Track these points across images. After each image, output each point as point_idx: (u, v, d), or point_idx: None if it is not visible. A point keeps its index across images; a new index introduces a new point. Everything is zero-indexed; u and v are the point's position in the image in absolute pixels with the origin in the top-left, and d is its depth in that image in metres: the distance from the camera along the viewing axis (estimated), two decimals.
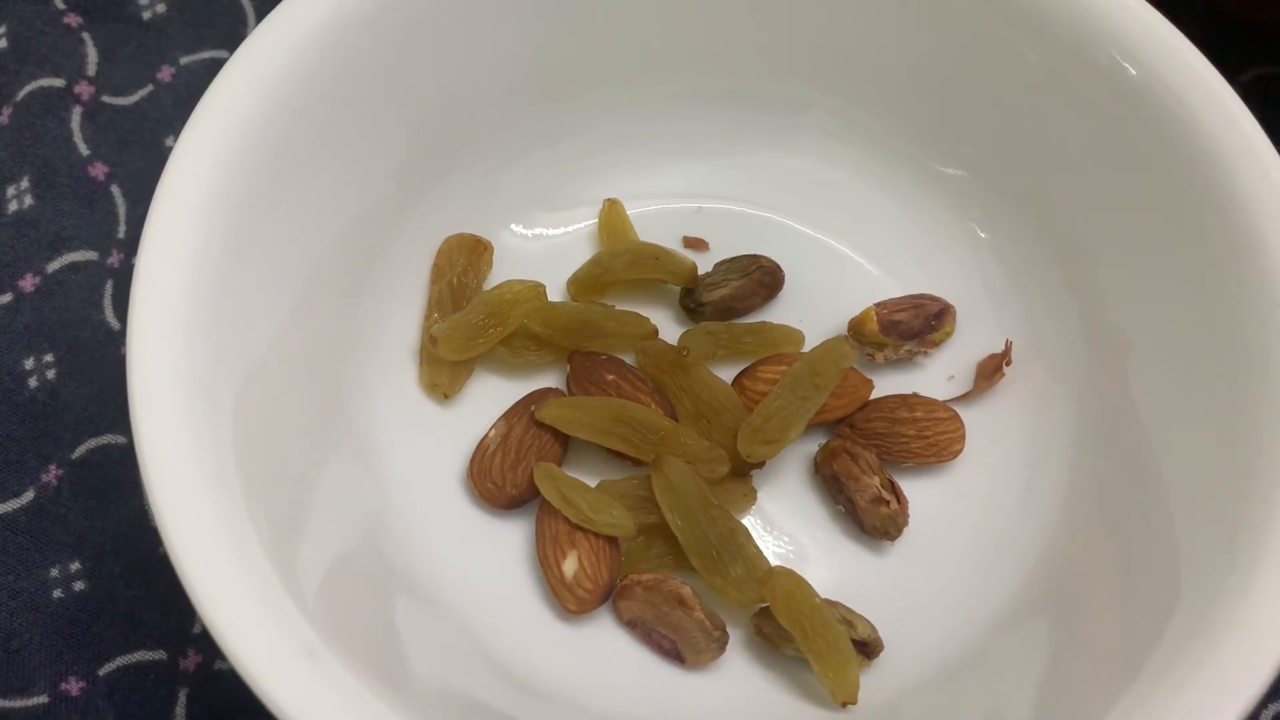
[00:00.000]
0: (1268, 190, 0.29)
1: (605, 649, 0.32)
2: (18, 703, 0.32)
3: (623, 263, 0.36)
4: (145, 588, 0.33)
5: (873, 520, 0.33)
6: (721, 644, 0.31)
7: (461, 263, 0.35)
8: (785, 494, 0.34)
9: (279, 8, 0.30)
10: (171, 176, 0.28)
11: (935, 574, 0.33)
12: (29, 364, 0.36)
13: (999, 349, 0.35)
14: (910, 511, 0.33)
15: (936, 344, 0.35)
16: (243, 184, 0.29)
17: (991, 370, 0.35)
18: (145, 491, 0.32)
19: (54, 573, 0.33)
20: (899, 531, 0.33)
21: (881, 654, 0.31)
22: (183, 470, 0.25)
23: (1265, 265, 0.28)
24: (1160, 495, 0.30)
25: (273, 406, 0.29)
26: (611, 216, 0.37)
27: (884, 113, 0.35)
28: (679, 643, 0.31)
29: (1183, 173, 0.30)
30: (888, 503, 0.32)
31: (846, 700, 0.30)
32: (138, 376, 0.26)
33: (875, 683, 0.31)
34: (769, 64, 0.35)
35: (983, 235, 0.36)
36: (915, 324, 0.35)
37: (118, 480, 0.35)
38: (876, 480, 0.33)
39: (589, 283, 0.36)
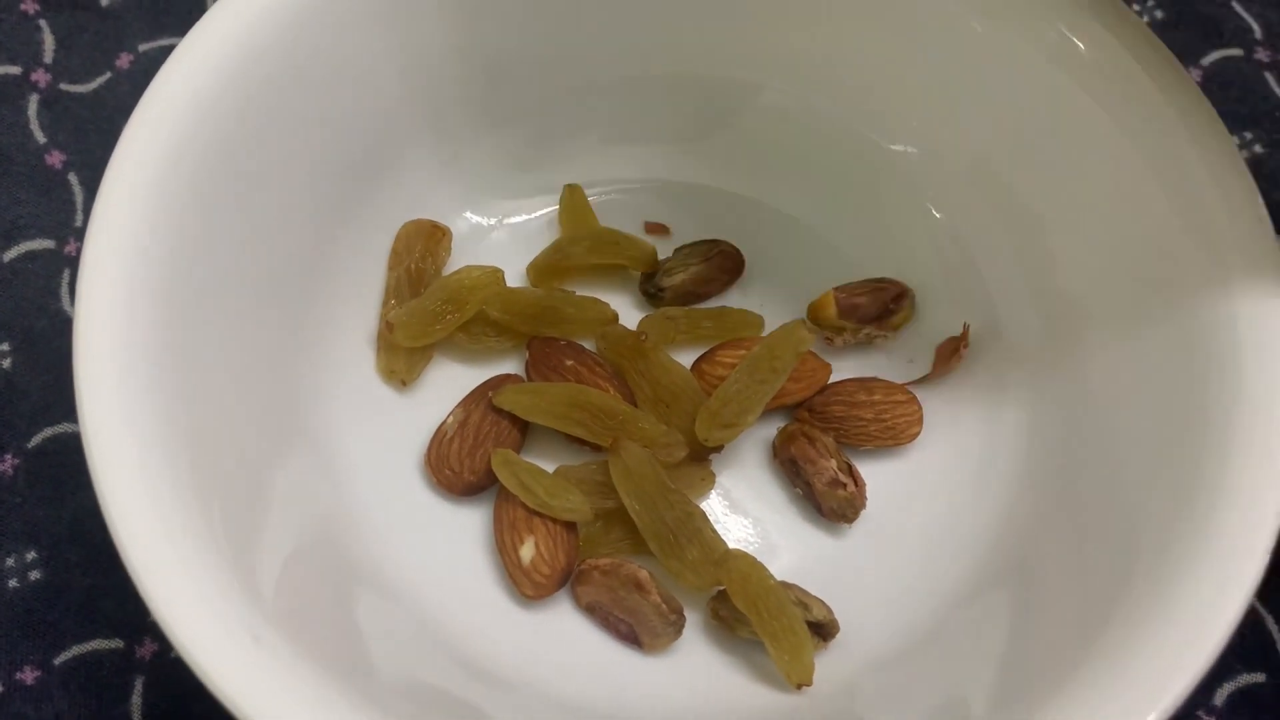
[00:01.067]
0: (1213, 161, 0.29)
1: (564, 634, 0.32)
2: None
3: (582, 248, 0.36)
4: (102, 576, 0.33)
5: (830, 503, 0.33)
6: (678, 627, 0.31)
7: (419, 248, 0.35)
8: (744, 478, 0.34)
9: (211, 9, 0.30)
10: (119, 164, 0.28)
11: (893, 554, 0.33)
12: None
13: (957, 332, 0.35)
14: (869, 494, 0.33)
15: (895, 327, 0.35)
16: (190, 171, 0.28)
17: (949, 353, 0.35)
18: (93, 479, 0.32)
19: (10, 562, 0.33)
20: (856, 514, 0.33)
21: (839, 635, 0.31)
22: (129, 460, 0.25)
23: (1213, 235, 0.28)
24: (1114, 470, 0.30)
25: (225, 396, 0.29)
26: (571, 201, 0.37)
27: (832, 92, 0.35)
28: (636, 626, 0.31)
29: (1131, 146, 0.30)
30: (844, 485, 0.32)
31: (801, 682, 0.30)
32: (84, 367, 0.26)
33: (833, 663, 0.31)
34: (718, 49, 0.35)
35: (937, 215, 0.36)
36: (874, 308, 0.35)
37: (75, 469, 0.34)
38: (834, 463, 0.33)
39: (549, 268, 0.36)
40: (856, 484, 0.33)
